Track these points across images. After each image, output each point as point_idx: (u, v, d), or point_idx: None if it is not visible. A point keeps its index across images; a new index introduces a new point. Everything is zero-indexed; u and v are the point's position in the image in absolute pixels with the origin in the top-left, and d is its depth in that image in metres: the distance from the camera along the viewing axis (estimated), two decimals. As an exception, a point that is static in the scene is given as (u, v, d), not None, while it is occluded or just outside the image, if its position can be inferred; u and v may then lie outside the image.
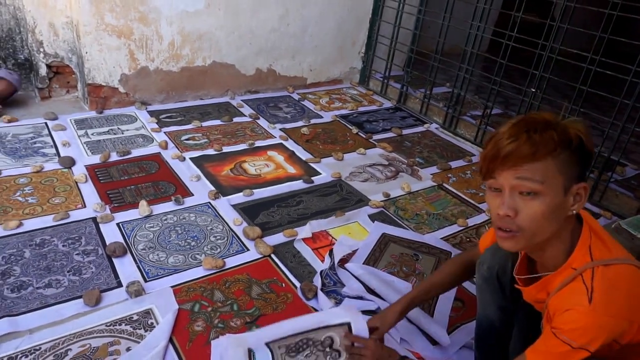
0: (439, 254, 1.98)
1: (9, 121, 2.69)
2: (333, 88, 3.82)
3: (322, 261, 1.86)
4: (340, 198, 2.31)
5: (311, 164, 2.59)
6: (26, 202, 2.02)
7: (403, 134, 3.14)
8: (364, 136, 3.02)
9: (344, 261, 1.85)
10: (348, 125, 3.15)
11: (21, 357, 1.36)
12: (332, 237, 2.00)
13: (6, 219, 1.89)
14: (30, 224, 1.89)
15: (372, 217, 2.17)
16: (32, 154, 2.40)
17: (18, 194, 2.07)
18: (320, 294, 1.68)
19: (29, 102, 2.98)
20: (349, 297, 1.69)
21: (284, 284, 1.73)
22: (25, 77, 3.05)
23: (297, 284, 1.73)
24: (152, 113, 2.97)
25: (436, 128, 3.30)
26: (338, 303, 1.66)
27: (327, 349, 1.38)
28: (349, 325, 1.39)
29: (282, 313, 1.60)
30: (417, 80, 3.68)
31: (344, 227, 2.08)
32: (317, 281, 1.74)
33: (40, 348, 1.39)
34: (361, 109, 3.48)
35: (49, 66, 3.00)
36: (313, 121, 3.16)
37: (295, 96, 3.55)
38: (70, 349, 1.39)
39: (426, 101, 3.47)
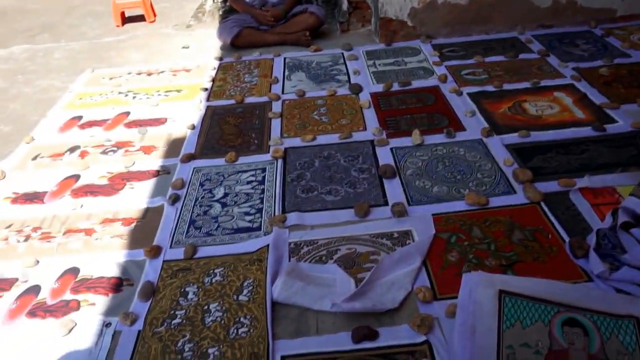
0: None
1: (315, 50, 3.07)
2: (653, 21, 3.08)
3: (602, 220, 1.60)
4: (638, 152, 1.91)
5: (606, 110, 2.20)
6: (320, 120, 2.31)
7: None
8: (688, 81, 2.38)
9: (629, 225, 1.54)
10: (667, 67, 2.52)
11: (303, 246, 1.61)
12: (620, 195, 1.69)
13: (304, 133, 2.21)
14: (322, 139, 2.16)
15: (682, 181, 1.73)
16: (329, 79, 2.70)
17: (315, 112, 2.38)
18: (593, 254, 1.46)
19: (331, 35, 3.33)
20: (629, 265, 1.42)
21: (550, 235, 1.57)
22: (330, 12, 3.40)
23: (566, 239, 1.54)
24: (435, 47, 2.95)
25: None
26: (614, 270, 1.41)
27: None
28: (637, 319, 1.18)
29: (543, 265, 1.46)
30: None
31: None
32: (591, 240, 1.51)
33: (317, 242, 1.62)
34: (691, 47, 2.73)
35: (349, 2, 3.25)
36: (617, 61, 2.63)
37: (598, 32, 3.00)
38: (339, 249, 1.58)
39: None
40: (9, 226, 1.82)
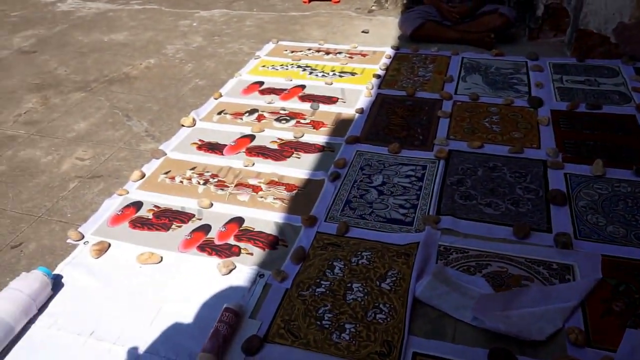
0: None
1: (497, 55, 2.96)
2: None
3: None
4: None
5: None
6: (491, 128, 2.25)
7: None
8: None
9: None
10: None
11: (453, 252, 1.61)
12: None
13: (472, 139, 2.18)
14: (489, 149, 2.11)
15: None
16: (507, 87, 2.60)
17: (486, 119, 2.32)
18: None
19: (517, 40, 3.18)
20: None
21: None
22: (521, 16, 3.23)
23: None
24: (638, 70, 2.65)
25: None
26: None
27: None
28: None
29: None
30: None
31: None
32: None
33: (468, 252, 1.61)
34: None
35: (546, 7, 3.06)
36: None
37: None
38: (490, 264, 1.55)
39: None
40: (193, 168, 2.10)
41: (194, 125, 2.42)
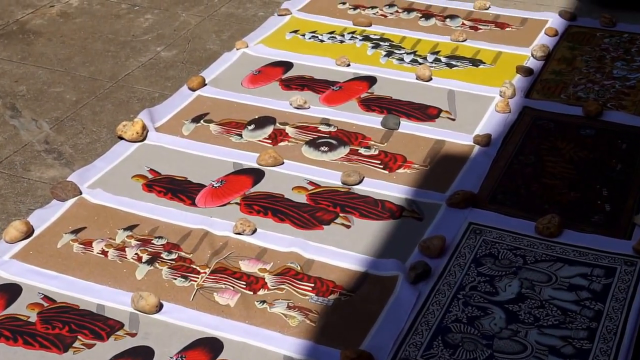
0: None
1: None
2: None
3: None
4: None
5: None
6: None
7: None
8: None
9: None
10: None
11: None
12: None
13: None
14: None
15: None
16: None
17: None
18: None
19: None
20: None
21: None
22: None
23: None
24: None
25: None
26: None
27: None
28: None
29: None
30: None
31: None
32: None
33: None
34: None
35: None
36: None
37: None
38: None
39: None
40: (133, 227, 2.12)
41: (144, 138, 2.46)
